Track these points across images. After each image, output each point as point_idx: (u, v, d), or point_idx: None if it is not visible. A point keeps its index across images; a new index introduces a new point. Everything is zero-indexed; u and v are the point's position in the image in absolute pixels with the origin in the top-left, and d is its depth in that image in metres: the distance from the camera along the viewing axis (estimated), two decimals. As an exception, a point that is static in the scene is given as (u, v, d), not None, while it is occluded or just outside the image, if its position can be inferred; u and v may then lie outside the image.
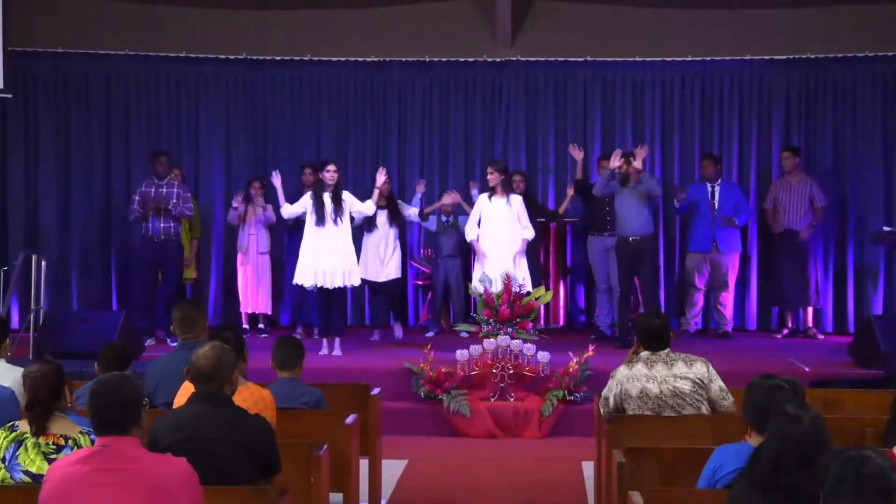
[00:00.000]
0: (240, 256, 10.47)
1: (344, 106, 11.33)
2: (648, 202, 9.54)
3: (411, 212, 10.21)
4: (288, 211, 9.15)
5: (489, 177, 9.32)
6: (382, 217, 9.99)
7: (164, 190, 9.72)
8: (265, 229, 10.44)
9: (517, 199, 9.37)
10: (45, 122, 11.12)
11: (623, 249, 9.54)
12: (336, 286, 8.93)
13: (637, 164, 9.39)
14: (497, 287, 8.59)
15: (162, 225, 9.67)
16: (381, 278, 10.05)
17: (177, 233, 9.75)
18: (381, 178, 9.23)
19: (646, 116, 11.19)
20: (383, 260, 10.01)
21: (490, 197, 9.34)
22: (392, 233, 10.04)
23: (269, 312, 10.59)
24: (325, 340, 9.14)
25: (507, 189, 9.35)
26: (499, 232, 9.25)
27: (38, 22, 10.78)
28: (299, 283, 9.09)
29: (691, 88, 11.16)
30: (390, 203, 10.05)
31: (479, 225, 9.40)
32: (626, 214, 9.48)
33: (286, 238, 10.35)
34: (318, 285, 8.94)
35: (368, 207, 9.15)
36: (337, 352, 9.08)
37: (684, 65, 11.03)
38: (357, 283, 9.18)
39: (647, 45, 10.95)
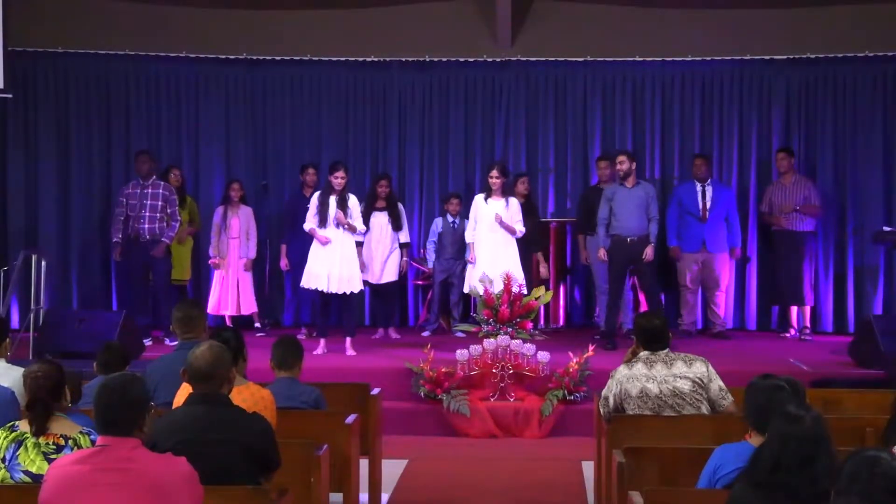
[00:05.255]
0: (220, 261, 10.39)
1: (344, 106, 11.32)
2: (648, 204, 9.48)
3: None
4: (307, 226, 9.00)
5: (496, 181, 9.28)
6: (383, 219, 10.02)
7: (150, 191, 9.68)
8: (245, 234, 10.37)
9: (514, 202, 9.40)
10: (45, 122, 11.12)
11: (619, 249, 9.44)
12: (339, 292, 8.95)
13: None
14: (497, 287, 8.59)
15: (147, 226, 9.65)
16: (380, 280, 10.11)
17: (162, 232, 9.70)
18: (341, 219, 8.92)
19: (646, 116, 11.19)
20: (383, 262, 10.05)
21: (486, 199, 9.34)
22: (391, 235, 10.07)
23: (253, 311, 10.54)
24: (322, 340, 9.15)
25: (507, 191, 9.38)
26: (497, 233, 9.26)
27: (38, 22, 10.79)
28: (306, 287, 9.10)
29: (691, 88, 11.16)
30: (390, 206, 10.07)
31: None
32: (624, 214, 9.43)
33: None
34: (320, 289, 8.96)
35: (360, 226, 9.10)
36: (350, 352, 9.09)
37: (684, 65, 11.03)
38: (358, 289, 9.14)
39: (647, 45, 10.96)
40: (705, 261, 10.38)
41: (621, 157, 9.60)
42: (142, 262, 9.76)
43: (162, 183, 9.78)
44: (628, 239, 9.42)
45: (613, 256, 9.51)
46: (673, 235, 10.35)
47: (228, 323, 10.29)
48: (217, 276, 10.44)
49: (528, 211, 9.88)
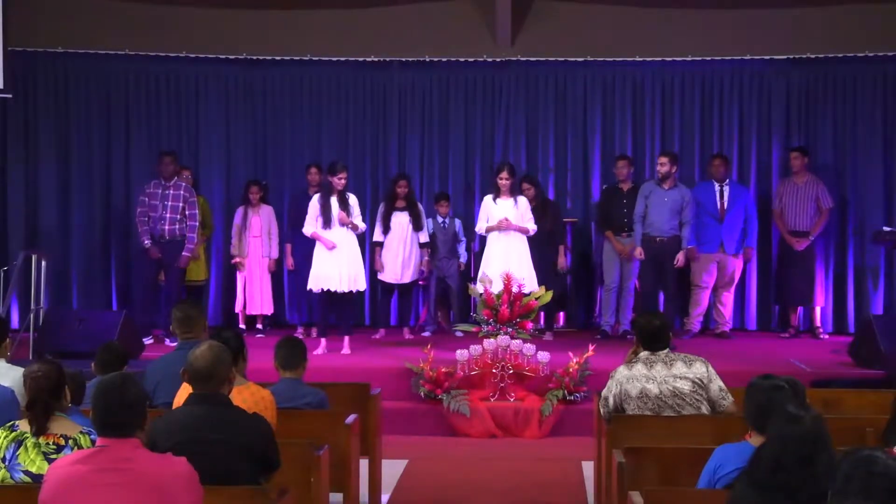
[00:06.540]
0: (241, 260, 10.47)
1: (344, 106, 11.32)
2: (682, 207, 9.75)
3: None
4: (309, 229, 9.05)
5: (505, 182, 9.23)
6: (404, 219, 10.00)
7: (171, 192, 9.72)
8: (266, 234, 10.43)
9: (524, 201, 9.38)
10: (45, 122, 11.12)
11: (647, 248, 9.68)
12: (343, 291, 8.96)
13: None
14: (498, 287, 8.57)
15: (168, 227, 9.68)
16: (401, 280, 10.09)
17: (181, 233, 9.74)
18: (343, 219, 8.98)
19: (646, 116, 11.18)
20: (405, 262, 10.04)
21: (495, 199, 9.32)
22: (412, 235, 10.05)
23: (269, 313, 10.59)
24: (323, 340, 9.15)
25: (515, 190, 9.38)
26: (508, 232, 9.21)
27: (38, 22, 10.79)
28: (311, 289, 9.08)
29: (691, 88, 11.16)
30: (410, 205, 10.06)
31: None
32: (656, 214, 9.68)
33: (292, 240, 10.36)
34: (326, 289, 8.95)
35: (361, 224, 9.15)
36: (346, 350, 9.12)
37: (684, 65, 11.03)
38: (363, 287, 9.20)
39: (647, 45, 10.95)
40: (721, 261, 10.37)
41: (662, 159, 9.89)
42: (156, 261, 9.77)
43: (183, 184, 9.82)
44: (657, 239, 9.71)
45: (644, 254, 9.77)
46: (692, 236, 10.34)
47: (241, 323, 10.36)
48: (241, 277, 10.50)
49: (544, 209, 9.87)
